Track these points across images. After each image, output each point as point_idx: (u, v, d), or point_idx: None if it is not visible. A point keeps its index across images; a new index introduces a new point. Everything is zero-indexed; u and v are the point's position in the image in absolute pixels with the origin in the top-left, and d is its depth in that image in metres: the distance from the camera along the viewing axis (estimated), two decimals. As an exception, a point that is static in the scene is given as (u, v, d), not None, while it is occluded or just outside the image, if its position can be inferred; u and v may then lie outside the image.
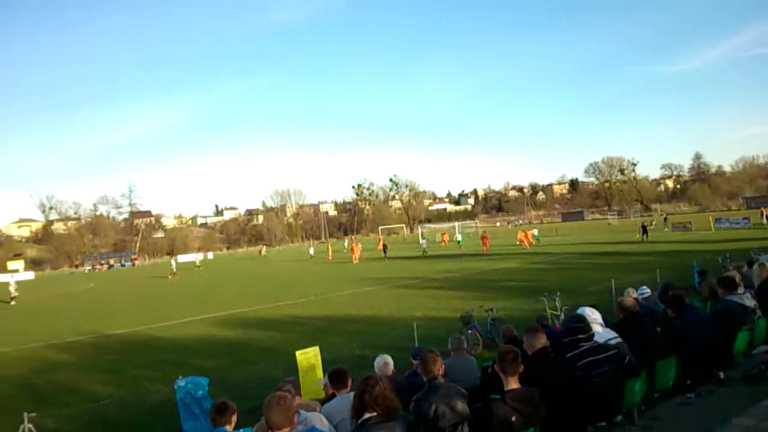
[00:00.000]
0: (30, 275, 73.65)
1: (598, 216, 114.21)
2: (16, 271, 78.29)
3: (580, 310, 5.79)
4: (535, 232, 54.24)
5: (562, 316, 12.40)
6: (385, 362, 6.14)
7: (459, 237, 57.28)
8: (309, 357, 8.91)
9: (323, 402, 5.16)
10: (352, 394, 4.67)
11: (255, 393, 9.43)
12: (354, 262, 43.13)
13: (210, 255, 69.66)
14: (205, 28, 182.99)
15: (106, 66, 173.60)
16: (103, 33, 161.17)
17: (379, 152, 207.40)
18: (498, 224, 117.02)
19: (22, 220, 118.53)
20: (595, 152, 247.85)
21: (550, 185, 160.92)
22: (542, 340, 4.58)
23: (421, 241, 55.21)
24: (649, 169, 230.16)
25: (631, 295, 7.75)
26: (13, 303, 32.59)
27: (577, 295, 15.13)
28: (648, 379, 5.45)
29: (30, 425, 7.06)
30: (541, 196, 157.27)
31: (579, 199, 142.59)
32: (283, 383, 5.40)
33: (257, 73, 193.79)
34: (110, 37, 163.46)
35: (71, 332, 18.73)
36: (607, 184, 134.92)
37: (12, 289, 33.79)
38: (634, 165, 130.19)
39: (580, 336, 4.80)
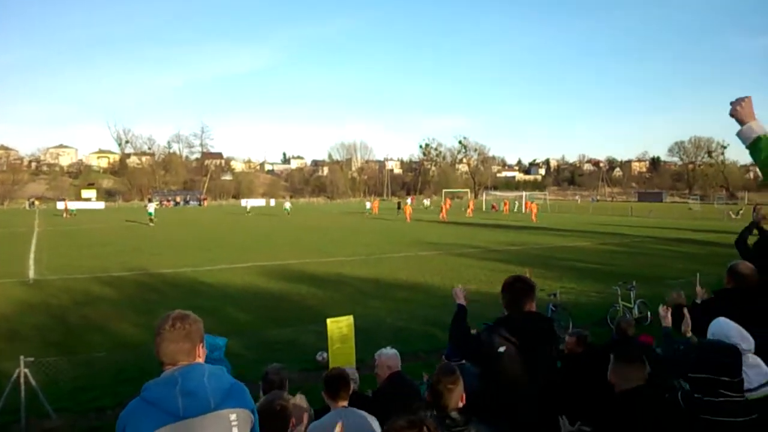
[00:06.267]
0: (100, 205, 76.72)
1: (677, 199, 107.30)
2: (89, 200, 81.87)
3: (716, 325, 3.39)
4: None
5: (636, 311, 10.86)
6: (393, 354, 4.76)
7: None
8: (341, 327, 7.90)
9: (318, 412, 3.99)
10: (350, 410, 3.55)
11: (282, 356, 8.57)
12: (407, 221, 42.63)
13: (272, 202, 70.22)
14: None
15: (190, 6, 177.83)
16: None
17: (450, 113, 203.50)
18: (572, 198, 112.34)
19: (101, 151, 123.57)
20: (682, 131, 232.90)
21: (629, 162, 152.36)
22: (640, 375, 3.11)
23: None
24: (739, 154, 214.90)
25: None
26: (152, 225, 37.96)
27: (656, 286, 13.37)
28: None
29: (26, 370, 6.44)
30: (617, 172, 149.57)
31: (659, 179, 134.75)
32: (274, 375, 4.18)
33: (336, 21, 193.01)
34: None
35: (120, 266, 18.65)
36: (691, 166, 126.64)
37: (152, 211, 40.48)
38: (724, 148, 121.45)
39: (723, 379, 2.79)
